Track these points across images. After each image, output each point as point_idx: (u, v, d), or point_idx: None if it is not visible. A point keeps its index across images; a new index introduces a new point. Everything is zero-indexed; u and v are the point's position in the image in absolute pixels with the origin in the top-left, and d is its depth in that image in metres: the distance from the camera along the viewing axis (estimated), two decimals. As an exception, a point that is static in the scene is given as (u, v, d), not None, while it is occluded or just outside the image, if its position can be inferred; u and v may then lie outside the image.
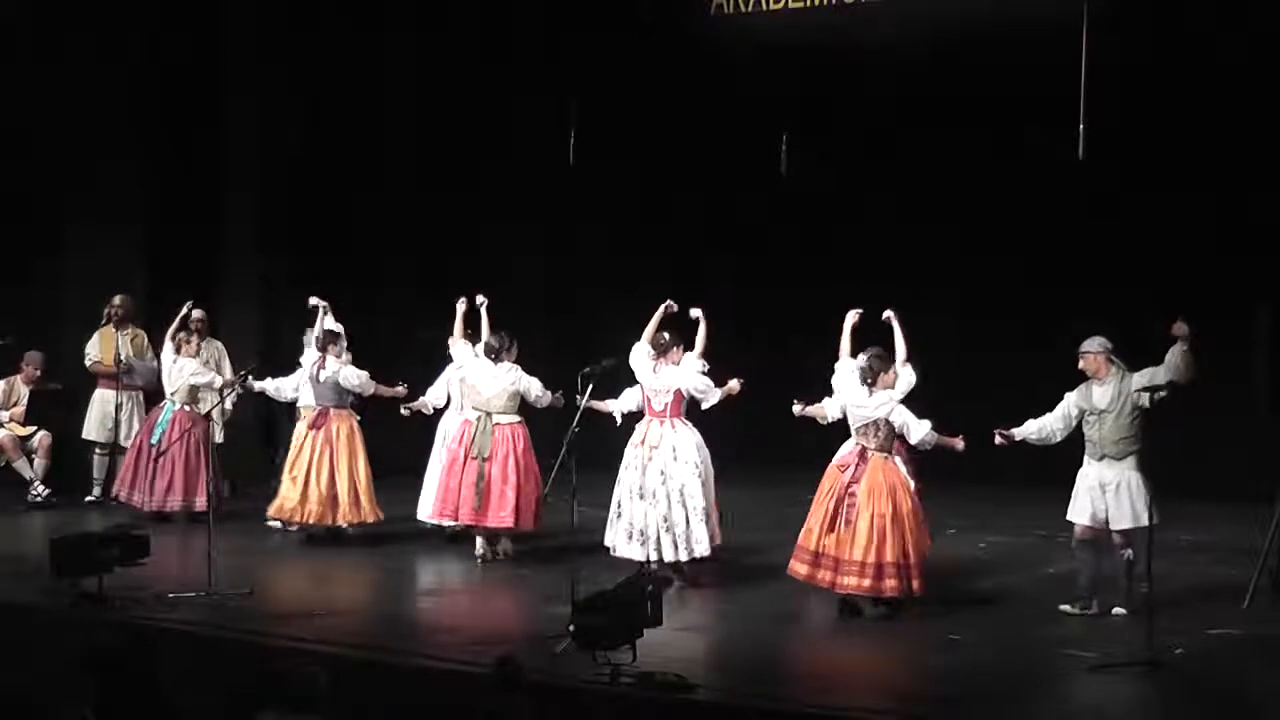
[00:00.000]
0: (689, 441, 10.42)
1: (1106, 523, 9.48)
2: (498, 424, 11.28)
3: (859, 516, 9.43)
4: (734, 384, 10.46)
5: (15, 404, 13.47)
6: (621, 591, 8.24)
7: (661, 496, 10.29)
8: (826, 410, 9.93)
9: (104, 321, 13.53)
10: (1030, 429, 9.71)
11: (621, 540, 10.43)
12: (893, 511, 9.42)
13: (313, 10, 14.78)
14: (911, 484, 9.78)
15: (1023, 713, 8.00)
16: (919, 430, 9.59)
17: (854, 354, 9.82)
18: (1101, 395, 9.50)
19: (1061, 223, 13.97)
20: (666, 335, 10.49)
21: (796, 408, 10.00)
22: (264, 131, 14.81)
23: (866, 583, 9.41)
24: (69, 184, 14.20)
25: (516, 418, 11.35)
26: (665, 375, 10.45)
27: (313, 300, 12.13)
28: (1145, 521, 9.27)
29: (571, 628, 8.14)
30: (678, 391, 10.43)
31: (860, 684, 8.32)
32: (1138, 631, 8.60)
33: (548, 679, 7.82)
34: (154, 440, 12.57)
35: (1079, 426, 9.61)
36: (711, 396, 10.46)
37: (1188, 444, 12.97)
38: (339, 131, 14.89)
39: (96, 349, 13.49)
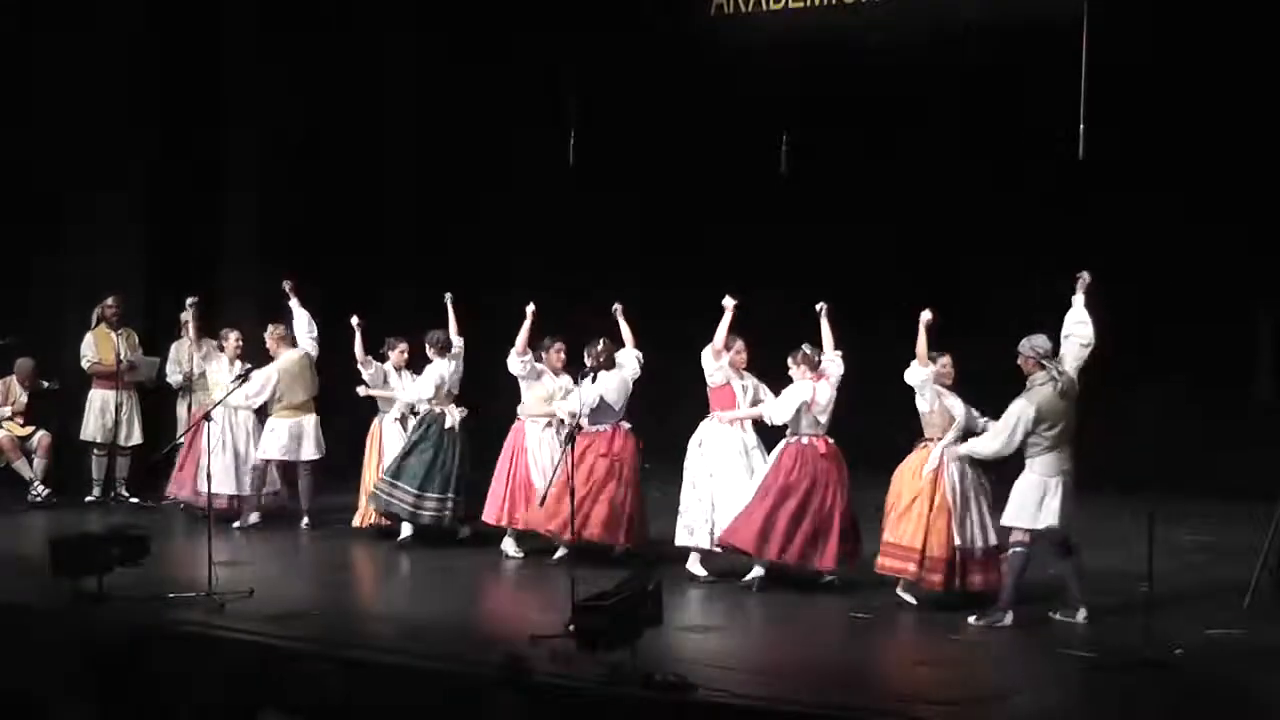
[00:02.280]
0: (712, 435, 10.77)
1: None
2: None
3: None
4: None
5: (14, 404, 13.46)
6: (621, 591, 8.24)
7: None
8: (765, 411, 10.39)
9: (95, 322, 13.51)
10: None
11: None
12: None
13: (313, 10, 14.77)
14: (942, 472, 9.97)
15: (1022, 713, 8.00)
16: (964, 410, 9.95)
17: (930, 351, 9.92)
18: None
19: (1060, 221, 13.94)
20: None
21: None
22: (264, 131, 14.80)
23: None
24: (69, 184, 14.19)
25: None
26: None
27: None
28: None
29: (571, 628, 8.16)
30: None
31: (860, 684, 8.33)
32: (1138, 631, 8.60)
33: (548, 679, 7.83)
34: None
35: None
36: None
37: (1189, 444, 13.02)
38: (339, 132, 14.89)
39: (93, 350, 13.45)
